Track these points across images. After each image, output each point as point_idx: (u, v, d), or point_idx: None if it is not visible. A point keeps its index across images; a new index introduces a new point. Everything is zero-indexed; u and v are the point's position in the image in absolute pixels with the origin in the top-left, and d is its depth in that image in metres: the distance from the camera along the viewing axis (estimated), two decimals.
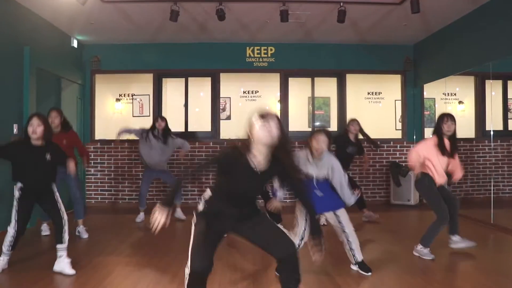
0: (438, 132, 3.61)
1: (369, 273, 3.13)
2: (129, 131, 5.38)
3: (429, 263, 3.42)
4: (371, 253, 3.66)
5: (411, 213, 6.03)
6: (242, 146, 2.11)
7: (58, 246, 3.17)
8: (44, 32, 5.52)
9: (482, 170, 6.60)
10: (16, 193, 3.17)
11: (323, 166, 3.11)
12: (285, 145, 2.10)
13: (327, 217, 3.24)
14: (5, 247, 3.15)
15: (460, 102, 7.23)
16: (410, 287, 2.86)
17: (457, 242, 3.68)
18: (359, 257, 3.17)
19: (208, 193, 2.20)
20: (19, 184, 3.18)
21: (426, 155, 3.55)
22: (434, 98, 7.35)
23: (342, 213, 3.15)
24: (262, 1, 4.94)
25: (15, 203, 3.17)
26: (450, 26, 5.84)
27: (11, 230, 3.14)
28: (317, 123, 7.13)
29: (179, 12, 5.00)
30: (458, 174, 3.70)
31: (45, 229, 4.52)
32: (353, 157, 5.20)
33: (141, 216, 5.31)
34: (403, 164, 6.76)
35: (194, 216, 2.16)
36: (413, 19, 5.55)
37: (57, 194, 3.33)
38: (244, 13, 5.41)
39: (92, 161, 6.64)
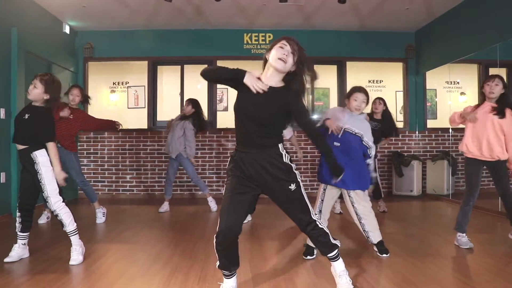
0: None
1: (384, 255, 2.98)
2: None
3: (438, 249, 3.24)
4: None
5: (414, 203, 5.83)
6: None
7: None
8: (33, 14, 5.30)
9: None
10: None
11: (358, 123, 2.94)
12: (298, 78, 2.15)
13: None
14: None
15: (462, 94, 7.05)
16: (419, 271, 2.67)
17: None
18: (375, 239, 3.00)
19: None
20: None
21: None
22: (436, 89, 7.17)
23: (355, 193, 2.95)
24: None
25: None
26: (454, 9, 5.65)
27: None
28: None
29: None
30: None
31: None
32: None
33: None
34: (405, 154, 6.60)
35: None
36: (416, 2, 5.38)
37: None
38: None
39: (85, 151, 6.46)
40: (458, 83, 6.91)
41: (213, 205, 5.16)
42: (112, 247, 3.35)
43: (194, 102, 5.08)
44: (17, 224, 2.95)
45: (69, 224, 2.90)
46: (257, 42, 6.67)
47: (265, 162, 2.10)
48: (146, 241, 3.57)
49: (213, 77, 2.31)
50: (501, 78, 3.28)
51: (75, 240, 2.92)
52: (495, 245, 3.40)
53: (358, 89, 3.00)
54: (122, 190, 6.50)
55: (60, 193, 2.91)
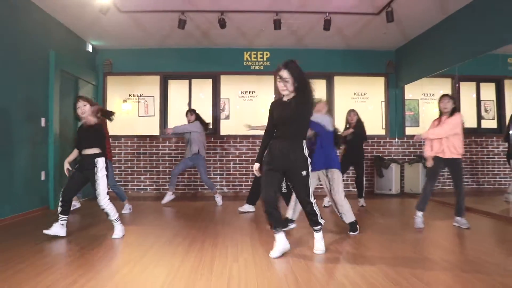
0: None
1: (352, 233, 3.86)
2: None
3: (398, 231, 4.13)
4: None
5: (393, 200, 6.70)
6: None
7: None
8: (64, 37, 6.21)
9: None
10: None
11: (322, 117, 3.91)
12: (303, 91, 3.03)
13: (320, 177, 3.94)
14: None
15: None
16: (377, 242, 3.56)
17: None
18: (347, 220, 3.89)
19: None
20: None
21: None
22: (418, 100, 8.09)
23: (334, 174, 3.85)
24: (258, 11, 5.65)
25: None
26: (424, 33, 6.58)
27: None
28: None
29: (186, 21, 5.70)
30: None
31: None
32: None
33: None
34: (385, 158, 7.49)
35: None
36: (391, 28, 6.28)
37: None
38: (242, 22, 6.12)
39: None
40: (433, 95, 7.85)
41: (218, 200, 6.02)
42: (139, 228, 4.25)
43: (194, 111, 6.24)
44: (59, 208, 3.78)
45: (113, 214, 3.75)
46: (255, 60, 7.58)
47: (291, 149, 3.07)
48: (166, 224, 4.46)
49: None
50: (450, 96, 4.31)
51: (117, 225, 3.79)
52: (445, 228, 4.30)
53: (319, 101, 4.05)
54: (137, 189, 7.38)
55: (107, 193, 3.75)
